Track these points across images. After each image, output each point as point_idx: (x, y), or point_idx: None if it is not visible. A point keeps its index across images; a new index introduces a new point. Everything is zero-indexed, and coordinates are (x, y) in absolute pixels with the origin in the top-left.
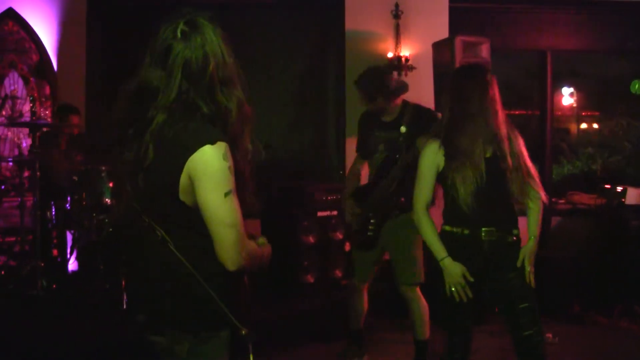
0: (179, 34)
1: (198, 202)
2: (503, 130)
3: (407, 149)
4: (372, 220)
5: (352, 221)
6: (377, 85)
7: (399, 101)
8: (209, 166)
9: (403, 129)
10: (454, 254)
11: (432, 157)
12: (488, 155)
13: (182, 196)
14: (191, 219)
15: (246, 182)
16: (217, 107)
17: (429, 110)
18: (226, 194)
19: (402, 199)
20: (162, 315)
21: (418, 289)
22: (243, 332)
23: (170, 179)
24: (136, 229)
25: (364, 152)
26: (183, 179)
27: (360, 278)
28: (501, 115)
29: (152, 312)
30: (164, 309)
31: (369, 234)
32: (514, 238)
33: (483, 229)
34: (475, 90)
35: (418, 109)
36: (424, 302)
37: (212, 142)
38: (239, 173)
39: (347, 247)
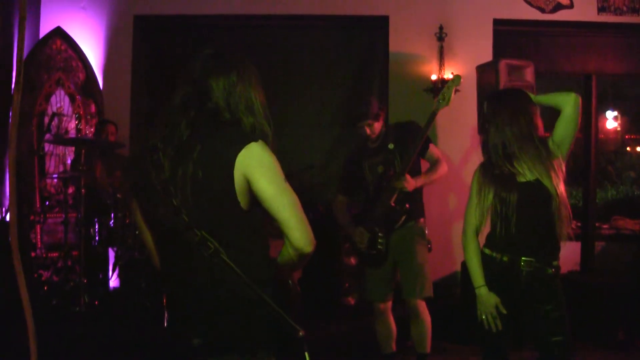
0: (209, 60)
1: (260, 195)
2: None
3: (401, 160)
4: (379, 234)
5: (364, 245)
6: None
7: (380, 126)
8: (263, 159)
9: (391, 145)
10: (490, 279)
11: (476, 180)
12: (529, 179)
13: (239, 197)
14: (244, 225)
15: None
16: (239, 119)
17: (408, 121)
18: (285, 180)
19: (407, 205)
20: (214, 337)
21: (424, 303)
22: (300, 333)
23: (223, 182)
24: (181, 246)
25: (350, 187)
26: (238, 177)
27: (378, 298)
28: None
29: (203, 334)
30: (215, 330)
31: (378, 247)
32: (553, 270)
33: (523, 258)
34: (503, 115)
35: (398, 125)
36: (428, 317)
37: (255, 140)
38: None
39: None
